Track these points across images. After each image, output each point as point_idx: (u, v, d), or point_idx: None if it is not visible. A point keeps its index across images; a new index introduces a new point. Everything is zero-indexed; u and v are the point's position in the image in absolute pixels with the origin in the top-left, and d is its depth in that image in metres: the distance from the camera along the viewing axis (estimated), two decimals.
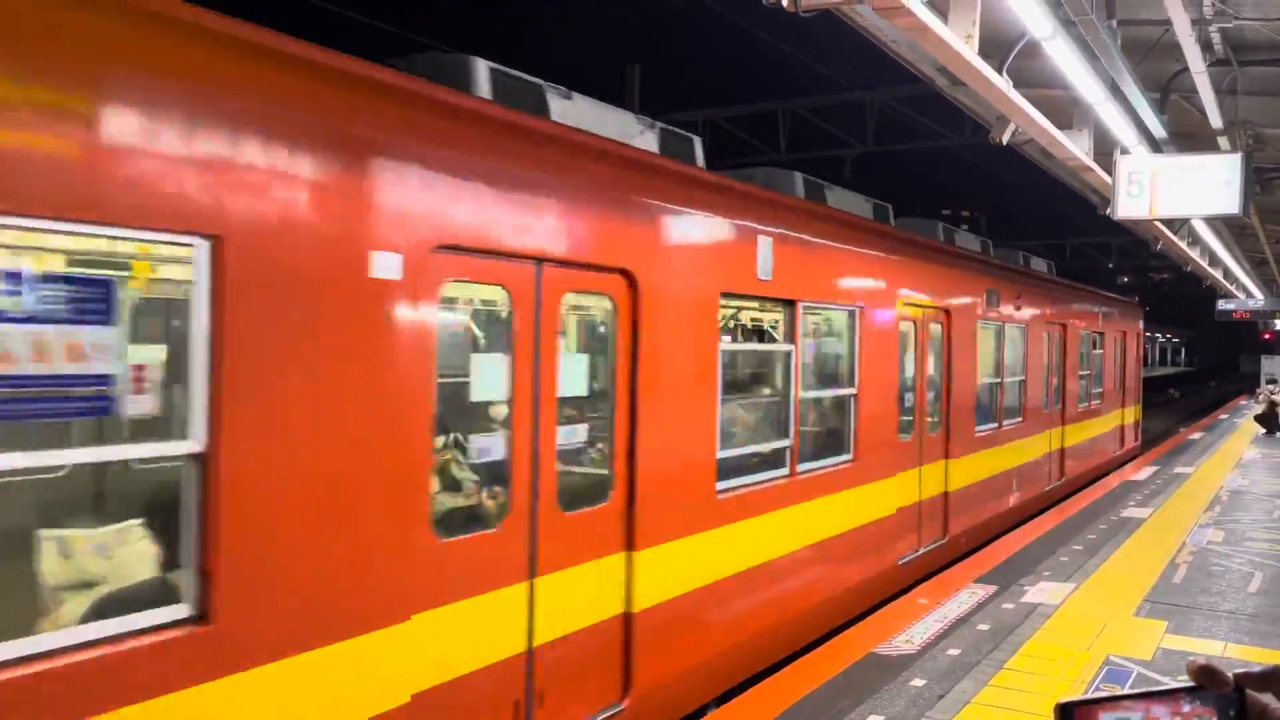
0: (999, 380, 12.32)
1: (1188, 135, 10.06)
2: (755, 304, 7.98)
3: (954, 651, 6.55)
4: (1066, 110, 9.09)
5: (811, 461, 7.73)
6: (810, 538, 7.52)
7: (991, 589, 8.18)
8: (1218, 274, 23.09)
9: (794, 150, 19.44)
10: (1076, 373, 15.93)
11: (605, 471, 5.53)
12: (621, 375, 5.55)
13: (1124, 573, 8.88)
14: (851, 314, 8.37)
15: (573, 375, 5.41)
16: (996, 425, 12.10)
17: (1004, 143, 8.65)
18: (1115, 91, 7.64)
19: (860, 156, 19.98)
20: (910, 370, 9.68)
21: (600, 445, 5.68)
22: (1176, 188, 8.57)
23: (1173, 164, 8.69)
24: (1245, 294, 29.84)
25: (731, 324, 8.52)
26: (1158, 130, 8.87)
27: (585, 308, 5.99)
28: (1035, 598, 7.93)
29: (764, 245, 6.87)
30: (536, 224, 4.90)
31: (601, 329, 5.80)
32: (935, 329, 10.34)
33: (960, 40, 5.94)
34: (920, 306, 9.76)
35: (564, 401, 5.20)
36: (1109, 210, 9.31)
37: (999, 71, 6.84)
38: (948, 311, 10.42)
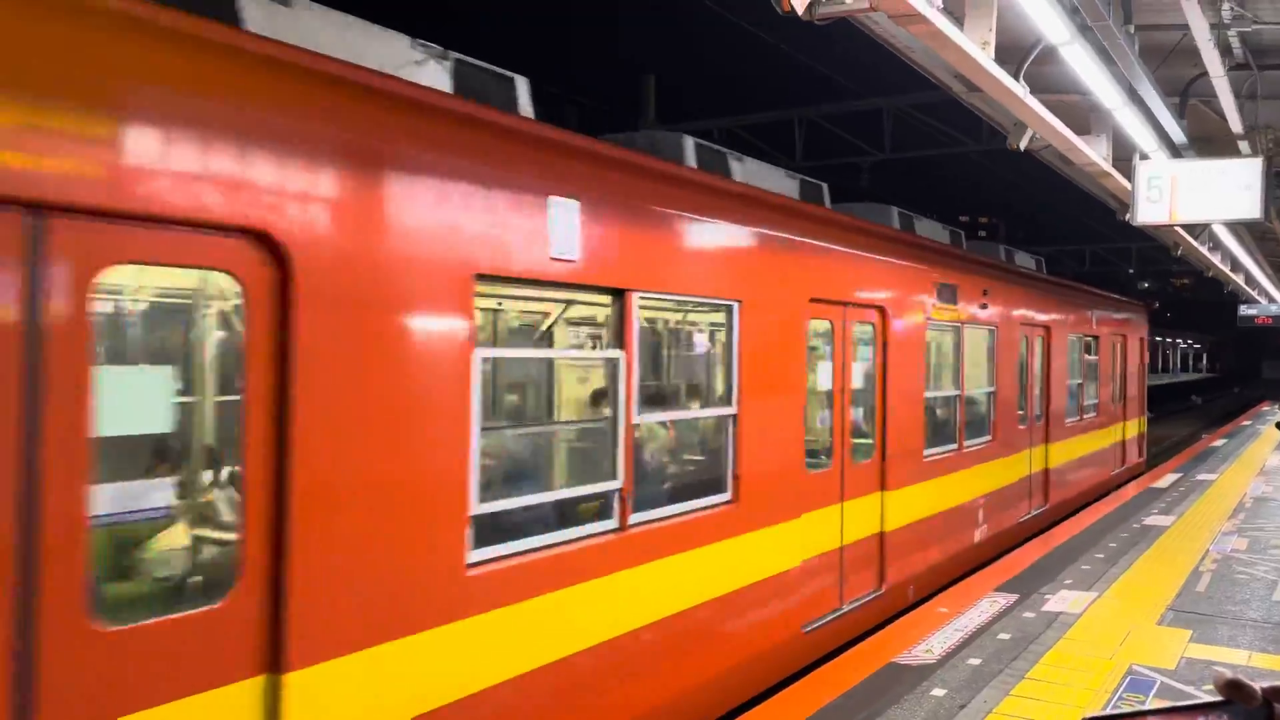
0: (959, 393, 10.28)
1: (1207, 140, 10.00)
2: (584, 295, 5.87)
3: (975, 661, 6.50)
4: (1084, 115, 9.05)
5: (661, 507, 5.84)
6: (653, 613, 5.59)
7: (1012, 598, 8.12)
8: (1239, 279, 22.90)
9: (810, 158, 19.40)
10: (1064, 382, 13.98)
11: (226, 541, 3.63)
12: (256, 398, 3.54)
13: (1146, 581, 8.80)
14: (728, 310, 6.45)
15: (137, 400, 3.54)
16: (955, 447, 10.12)
17: (1021, 149, 8.62)
18: (1133, 96, 7.60)
19: (878, 164, 19.93)
20: (826, 382, 7.83)
21: (215, 511, 3.85)
22: (1196, 192, 8.51)
23: (1192, 169, 8.63)
24: (1268, 299, 29.59)
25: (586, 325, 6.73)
26: (1177, 135, 8.83)
27: (183, 292, 3.97)
28: (1056, 606, 7.86)
29: (562, 212, 4.96)
30: (29, 146, 2.97)
31: (225, 326, 3.90)
32: (863, 331, 8.36)
33: (976, 47, 5.93)
34: (839, 303, 7.83)
35: (113, 444, 3.31)
36: (1128, 215, 9.25)
37: (1016, 77, 6.82)
38: (882, 310, 8.44)
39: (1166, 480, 15.88)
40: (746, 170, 7.11)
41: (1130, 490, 14.88)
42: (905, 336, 8.86)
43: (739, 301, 6.45)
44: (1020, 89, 6.87)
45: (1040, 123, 7.70)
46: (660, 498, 6.05)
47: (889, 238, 8.92)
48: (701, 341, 7.48)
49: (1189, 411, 46.51)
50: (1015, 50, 6.83)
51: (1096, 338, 15.94)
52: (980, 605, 7.90)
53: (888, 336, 8.51)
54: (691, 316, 7.29)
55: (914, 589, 8.97)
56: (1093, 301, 15.97)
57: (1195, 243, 15.49)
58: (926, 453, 9.35)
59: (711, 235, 6.32)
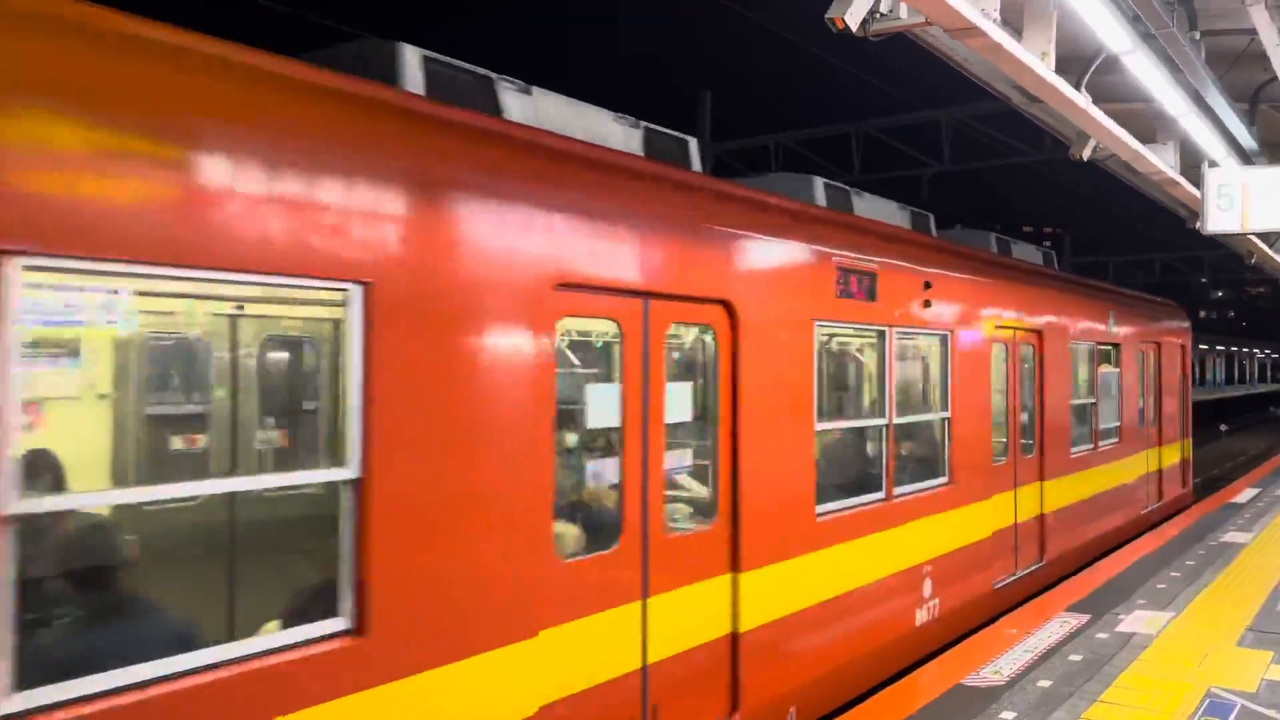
0: (885, 422, 7.64)
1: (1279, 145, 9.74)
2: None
3: (1045, 683, 6.35)
4: (1150, 123, 8.87)
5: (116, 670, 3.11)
6: None
7: (1084, 618, 7.93)
8: None
9: (868, 171, 19.35)
10: (1065, 402, 11.31)
11: None
12: None
13: (1225, 600, 8.53)
14: (346, 301, 3.83)
15: None
16: (881, 497, 7.51)
17: (1085, 159, 8.47)
18: (1200, 103, 7.44)
19: (937, 176, 19.80)
20: (606, 415, 5.24)
21: None
22: (1269, 200, 8.28)
23: (1265, 175, 8.40)
24: None
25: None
26: (1247, 141, 8.61)
27: None
28: (1130, 627, 7.66)
29: None
30: None
31: None
32: (691, 335, 6.08)
33: (1035, 58, 5.85)
34: (632, 293, 5.25)
35: None
36: (1198, 225, 9.04)
37: (1077, 87, 6.72)
38: (729, 305, 5.91)
39: (1245, 495, 15.38)
40: (523, 105, 5.08)
41: (1206, 506, 14.43)
42: (772, 344, 6.28)
43: (364, 284, 3.84)
44: (1082, 99, 6.76)
45: (1104, 132, 7.57)
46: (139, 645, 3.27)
47: (726, 197, 6.21)
48: (273, 352, 5.03)
49: (1267, 423, 45.08)
50: (1076, 59, 6.73)
51: (1116, 345, 13.25)
52: (1050, 626, 7.72)
53: (740, 343, 5.96)
54: (218, 310, 4.80)
55: (797, 708, 6.36)
56: (1110, 301, 13.27)
57: (1270, 250, 15.04)
58: (823, 510, 6.77)
59: (265, 155, 3.54)
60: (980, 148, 19.18)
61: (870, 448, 7.86)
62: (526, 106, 5.10)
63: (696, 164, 6.26)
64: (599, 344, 5.75)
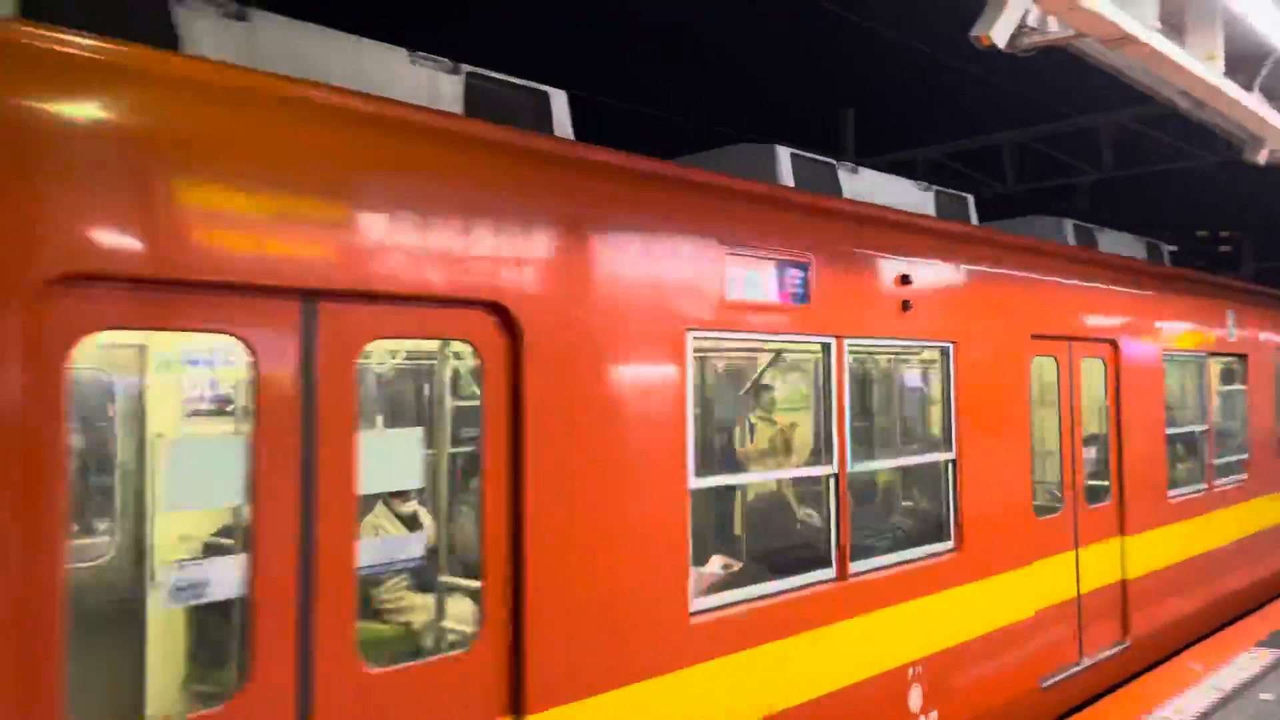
0: (831, 471, 5.64)
1: None
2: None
3: None
4: None
5: None
6: None
7: (1276, 653, 7.38)
8: None
9: (1023, 181, 18.74)
10: (1159, 432, 8.72)
11: None
12: None
13: None
14: None
15: None
16: (830, 577, 5.53)
17: (1262, 164, 7.95)
18: None
19: (1099, 183, 18.97)
20: (215, 508, 3.81)
21: None
22: None
23: None
24: None
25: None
26: None
27: None
28: None
29: None
30: None
31: None
32: (427, 361, 4.99)
33: (1201, 62, 5.55)
34: (271, 291, 3.39)
35: None
36: None
37: (1248, 89, 6.33)
38: (504, 312, 4.07)
39: None
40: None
41: None
42: (595, 365, 4.37)
43: None
44: (1255, 101, 6.37)
45: None
46: None
47: (497, 148, 4.21)
48: None
49: None
50: (1247, 59, 6.34)
51: (1240, 356, 10.66)
52: (1238, 661, 7.24)
53: (527, 367, 4.04)
54: None
55: None
56: (1231, 301, 10.56)
57: None
58: (706, 606, 4.82)
59: None
60: (1145, 152, 18.28)
61: (815, 507, 6.01)
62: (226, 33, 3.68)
63: (566, 126, 4.80)
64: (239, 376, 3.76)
